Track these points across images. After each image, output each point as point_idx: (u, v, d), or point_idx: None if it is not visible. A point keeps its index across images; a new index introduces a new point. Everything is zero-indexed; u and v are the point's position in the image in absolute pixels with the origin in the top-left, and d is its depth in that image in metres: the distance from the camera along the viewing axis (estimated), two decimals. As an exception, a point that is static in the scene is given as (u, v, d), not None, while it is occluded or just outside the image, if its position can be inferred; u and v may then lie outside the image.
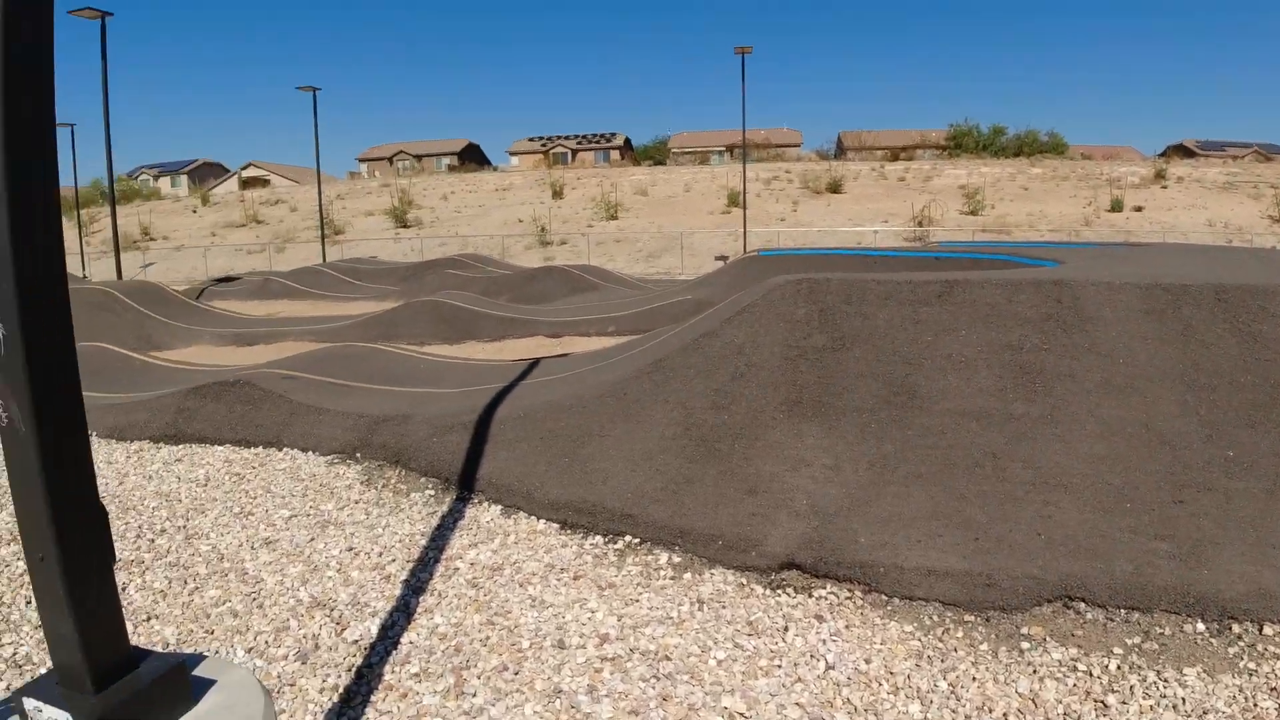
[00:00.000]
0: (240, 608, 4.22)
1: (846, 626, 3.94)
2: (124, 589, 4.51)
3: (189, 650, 3.86)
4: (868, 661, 3.65)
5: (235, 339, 14.34)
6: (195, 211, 51.86)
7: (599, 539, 4.82)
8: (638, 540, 4.76)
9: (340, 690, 3.51)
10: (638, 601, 4.15)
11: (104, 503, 5.65)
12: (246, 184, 69.13)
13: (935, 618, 3.96)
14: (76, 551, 1.78)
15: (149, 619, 4.15)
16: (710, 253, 31.76)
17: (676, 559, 4.57)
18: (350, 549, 4.83)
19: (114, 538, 5.36)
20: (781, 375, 5.78)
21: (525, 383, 7.44)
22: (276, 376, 7.79)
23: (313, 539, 4.99)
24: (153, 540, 5.11)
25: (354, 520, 5.25)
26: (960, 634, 3.82)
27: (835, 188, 43.51)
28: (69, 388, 1.80)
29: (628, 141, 75.86)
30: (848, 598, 4.17)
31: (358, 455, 6.42)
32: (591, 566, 4.52)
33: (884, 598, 4.13)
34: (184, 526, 5.29)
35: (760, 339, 6.06)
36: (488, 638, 3.82)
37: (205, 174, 75.72)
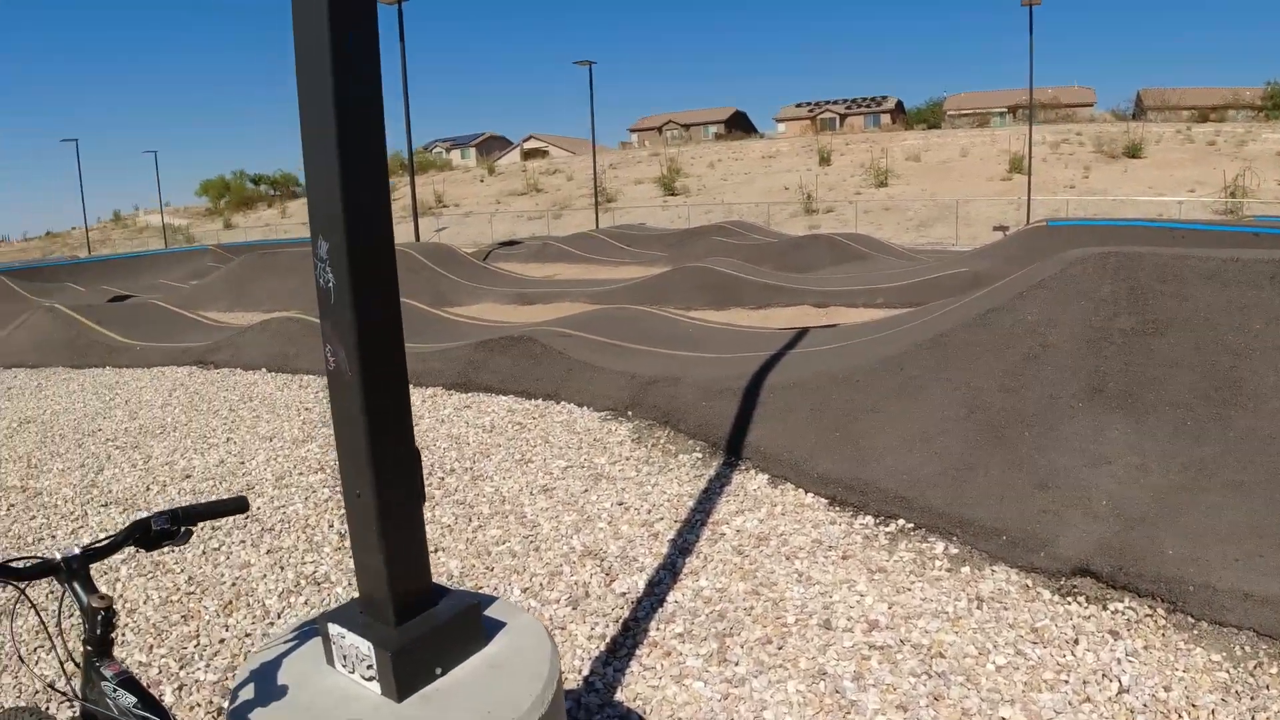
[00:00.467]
0: (518, 549, 4.48)
1: (1145, 647, 3.47)
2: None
3: (470, 586, 4.15)
4: (1167, 689, 3.19)
5: (518, 298, 15.33)
6: (482, 181, 56.00)
7: (869, 519, 4.61)
8: (911, 525, 4.50)
9: (607, 640, 3.60)
10: (909, 590, 3.92)
11: None
12: (527, 155, 73.61)
13: (1248, 648, 3.39)
14: (390, 489, 1.86)
15: (436, 551, 4.51)
16: (987, 223, 29.59)
17: (953, 550, 4.27)
18: (621, 503, 4.97)
19: None
20: (1081, 359, 5.22)
21: (793, 352, 7.29)
22: (556, 334, 8.20)
23: (586, 490, 5.19)
24: (443, 479, 5.56)
25: (625, 476, 5.41)
26: (1275, 670, 3.25)
27: (1133, 152, 38.80)
28: (392, 336, 1.89)
29: (899, 105, 72.33)
30: (1148, 615, 3.68)
31: (629, 413, 6.61)
32: (861, 548, 4.33)
33: (1190, 619, 3.61)
34: (470, 468, 5.71)
35: (1057, 317, 5.50)
36: (752, 608, 3.77)
37: (491, 146, 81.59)
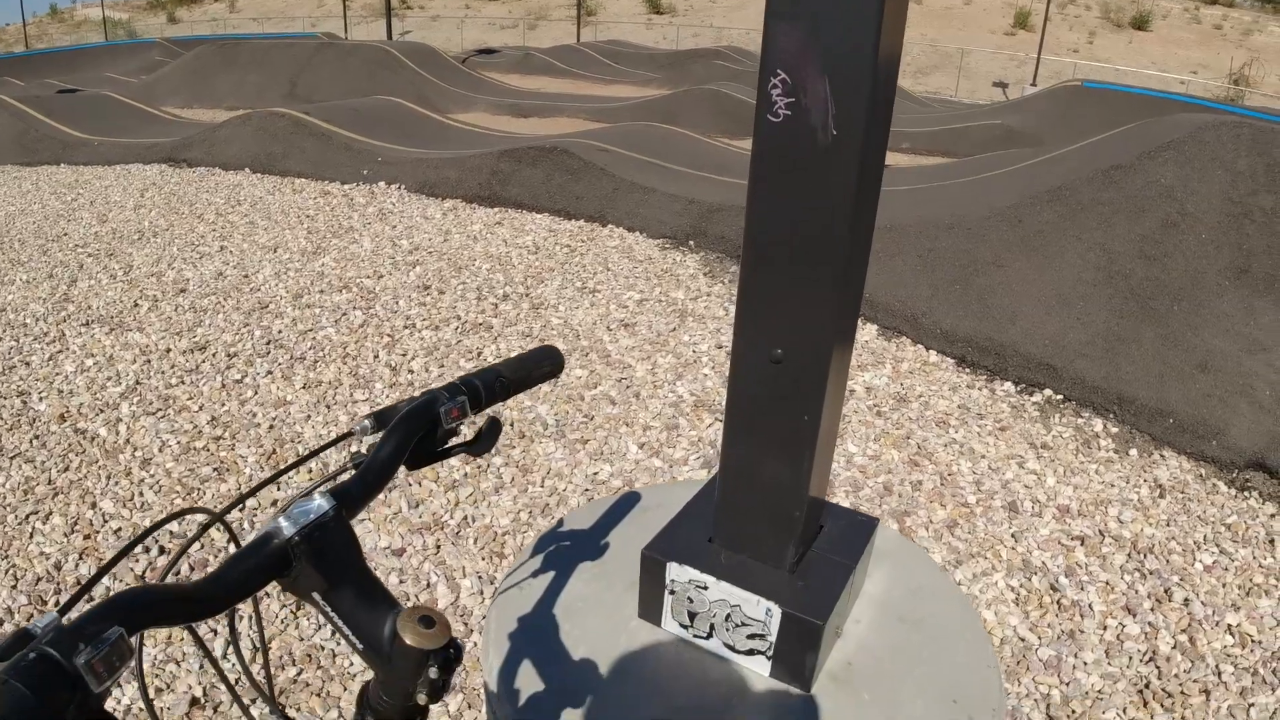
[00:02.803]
0: (615, 395, 3.82)
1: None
2: (479, 354, 4.24)
3: (576, 440, 3.51)
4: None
5: (511, 109, 14.06)
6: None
7: (1009, 386, 4.05)
8: (1060, 398, 3.95)
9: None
10: (1084, 472, 3.40)
11: (434, 258, 5.34)
12: (496, -43, 68.29)
13: None
14: (841, 353, 1.09)
15: (520, 390, 3.83)
16: (987, 77, 28.35)
17: (1114, 429, 3.74)
18: (720, 346, 4.31)
19: (454, 297, 5.16)
20: (1224, 235, 4.61)
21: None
22: (593, 148, 7.27)
23: (674, 329, 4.51)
24: (496, 305, 4.81)
25: (713, 315, 4.72)
26: None
27: (1139, 23, 37.36)
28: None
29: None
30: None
31: (691, 243, 5.86)
32: (1012, 418, 3.77)
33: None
34: (526, 294, 4.96)
35: (1194, 185, 4.85)
36: (920, 482, 3.22)
37: (456, -56, 75.34)
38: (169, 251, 5.96)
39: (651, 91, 17.11)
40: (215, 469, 3.30)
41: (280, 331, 4.47)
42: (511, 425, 3.55)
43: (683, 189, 6.55)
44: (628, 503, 1.44)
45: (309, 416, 3.64)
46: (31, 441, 3.54)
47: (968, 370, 4.18)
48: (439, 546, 2.83)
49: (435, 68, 16.74)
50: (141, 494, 3.16)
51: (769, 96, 0.94)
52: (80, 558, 2.85)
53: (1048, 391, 3.98)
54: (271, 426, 3.57)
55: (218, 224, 6.55)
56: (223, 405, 3.75)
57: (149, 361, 4.21)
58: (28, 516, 3.04)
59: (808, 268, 0.98)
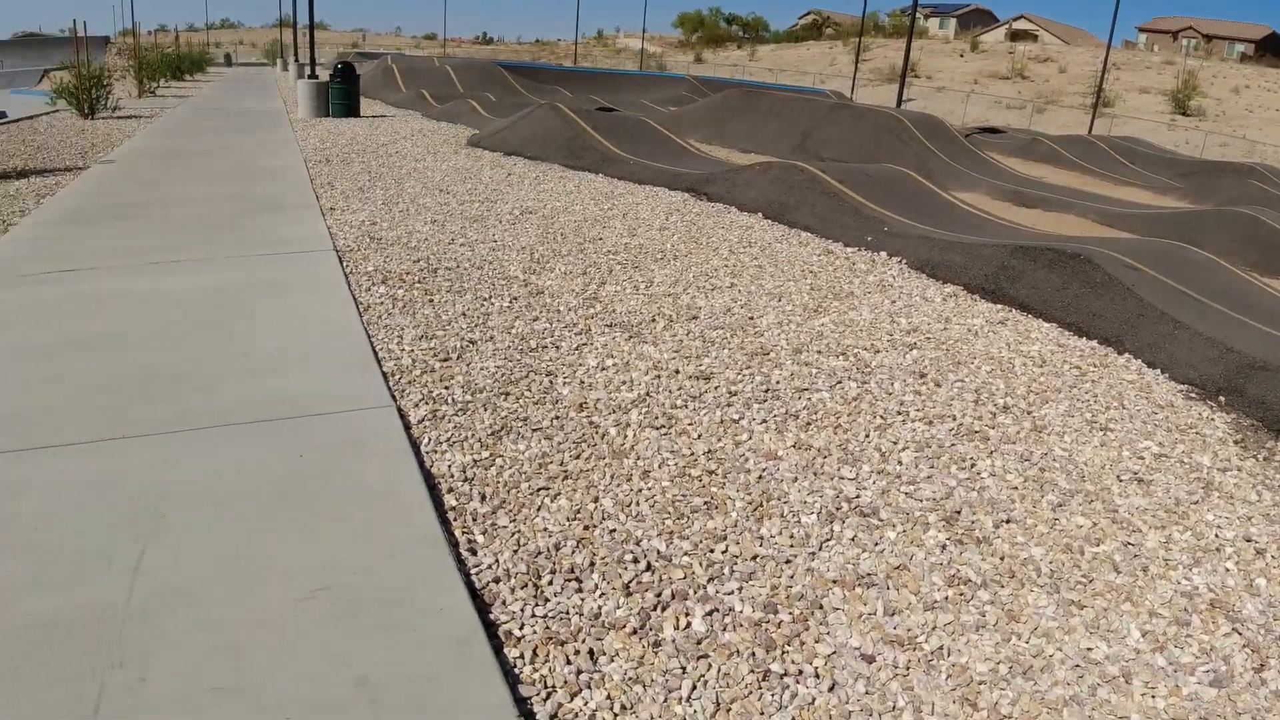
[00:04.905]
0: (1120, 561, 3.36)
1: None
2: (972, 465, 4.00)
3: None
4: None
5: (1013, 196, 13.42)
6: (961, 56, 51.55)
7: None
8: None
9: None
10: None
11: (931, 346, 5.14)
12: (1014, 36, 66.54)
13: None
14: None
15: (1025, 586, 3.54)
16: None
17: None
18: (1248, 538, 3.62)
19: (949, 393, 4.99)
20: None
21: None
22: (1119, 262, 6.62)
23: (1196, 501, 3.89)
24: (994, 415, 4.53)
25: (1242, 496, 4.00)
26: None
27: None
28: None
29: None
30: None
31: (1220, 399, 5.04)
32: None
33: None
34: (1028, 413, 4.62)
35: None
36: None
37: (975, 20, 74.72)
38: (685, 276, 6.54)
39: (1170, 202, 15.30)
40: (706, 502, 3.49)
41: (778, 383, 4.66)
42: (1001, 559, 3.29)
43: (1218, 331, 5.69)
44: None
45: (796, 479, 3.72)
46: (552, 421, 4.05)
47: None
48: (909, 669, 2.69)
49: (940, 140, 16.61)
50: (638, 504, 3.44)
51: None
52: (577, 545, 3.13)
53: None
54: (760, 477, 3.71)
55: (730, 261, 7.07)
56: (719, 440, 3.99)
57: (659, 378, 4.63)
58: (539, 490, 3.47)
59: None
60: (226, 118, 18.70)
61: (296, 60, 30.52)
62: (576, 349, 4.97)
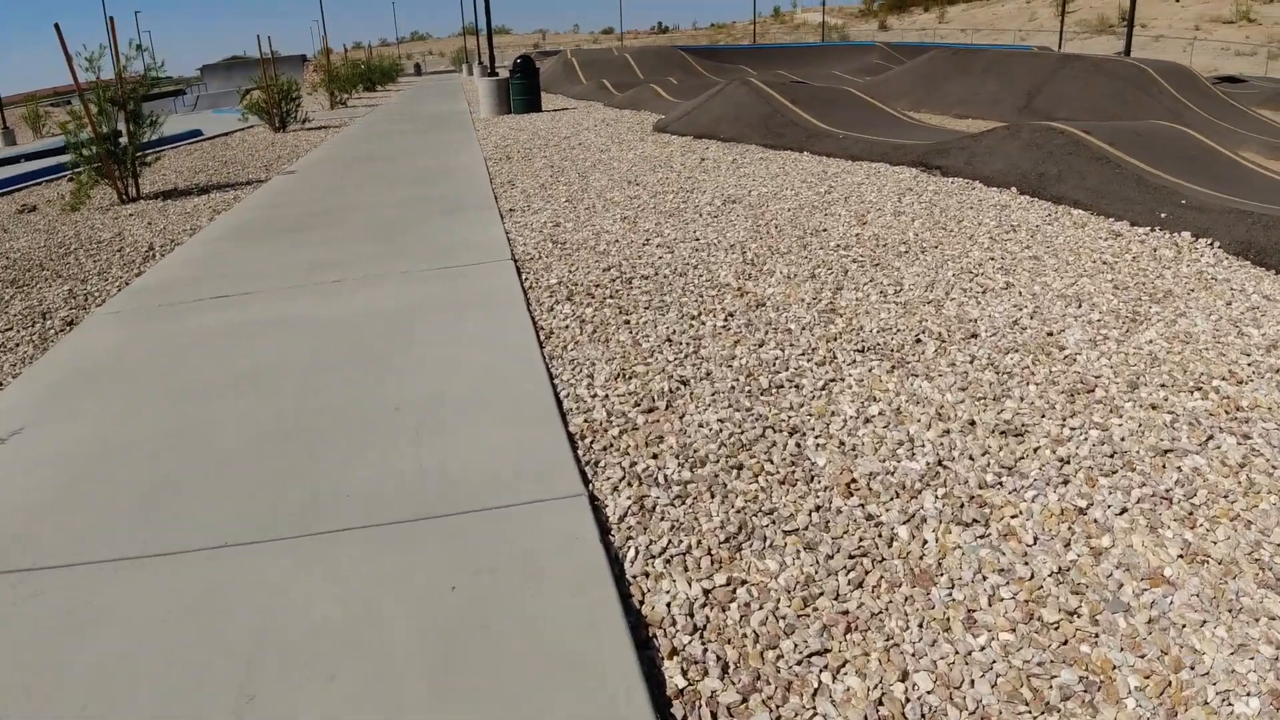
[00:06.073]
0: None
1: None
2: None
3: None
4: None
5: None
6: (1178, 1, 45.82)
7: None
8: None
9: None
10: None
11: (1196, 341, 3.36)
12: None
13: None
14: None
15: None
16: None
17: None
18: None
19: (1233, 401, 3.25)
20: None
21: None
22: None
23: None
24: None
25: None
26: None
27: None
28: None
29: None
30: None
31: None
32: None
33: None
34: None
35: None
36: None
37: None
38: (943, 276, 5.10)
39: None
40: (1081, 680, 2.10)
41: (1122, 440, 3.16)
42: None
43: None
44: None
45: (1204, 622, 2.26)
46: (811, 515, 2.76)
47: None
48: None
49: (1192, 93, 14.02)
50: (972, 680, 2.11)
51: None
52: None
53: None
54: (1150, 620, 2.28)
55: (995, 251, 5.54)
56: (1068, 547, 2.57)
57: (948, 433, 3.26)
58: (809, 656, 2.18)
59: None
60: (410, 122, 18.64)
61: (480, 63, 30.87)
62: (824, 387, 3.66)
